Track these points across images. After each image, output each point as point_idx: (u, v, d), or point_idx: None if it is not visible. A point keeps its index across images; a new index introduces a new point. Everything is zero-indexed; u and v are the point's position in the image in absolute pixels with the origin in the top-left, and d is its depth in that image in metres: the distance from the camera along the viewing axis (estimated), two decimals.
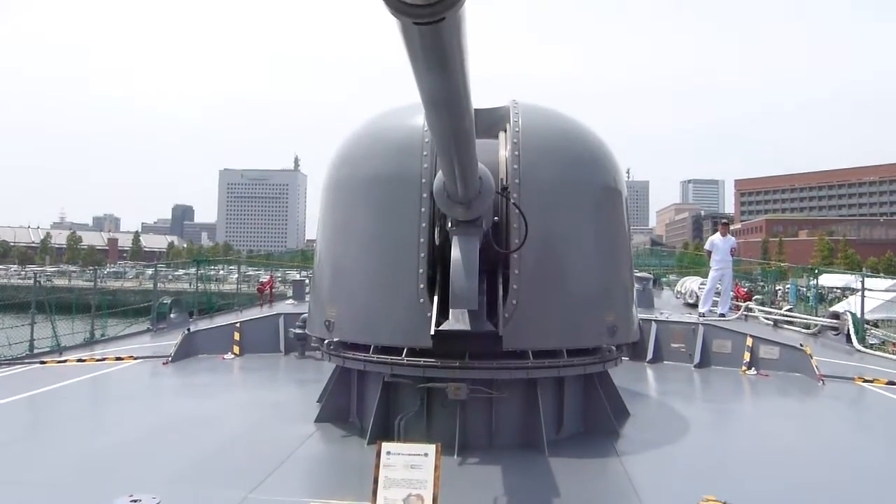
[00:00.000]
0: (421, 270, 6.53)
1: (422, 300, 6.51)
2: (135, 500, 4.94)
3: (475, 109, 7.63)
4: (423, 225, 6.57)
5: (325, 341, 7.38)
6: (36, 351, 14.06)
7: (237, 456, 6.84)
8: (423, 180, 6.67)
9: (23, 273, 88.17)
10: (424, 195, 6.64)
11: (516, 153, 6.76)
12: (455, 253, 5.51)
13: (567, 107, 7.88)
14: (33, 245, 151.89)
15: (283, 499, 5.47)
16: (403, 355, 6.65)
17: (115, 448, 7.14)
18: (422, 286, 6.53)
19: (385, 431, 6.69)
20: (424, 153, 6.77)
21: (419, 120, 6.97)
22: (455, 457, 6.36)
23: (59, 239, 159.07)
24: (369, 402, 7.20)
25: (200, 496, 5.60)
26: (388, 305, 6.78)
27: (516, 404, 6.89)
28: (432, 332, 6.30)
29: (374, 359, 6.78)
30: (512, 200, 6.53)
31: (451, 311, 6.27)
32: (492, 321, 6.38)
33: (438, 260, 6.65)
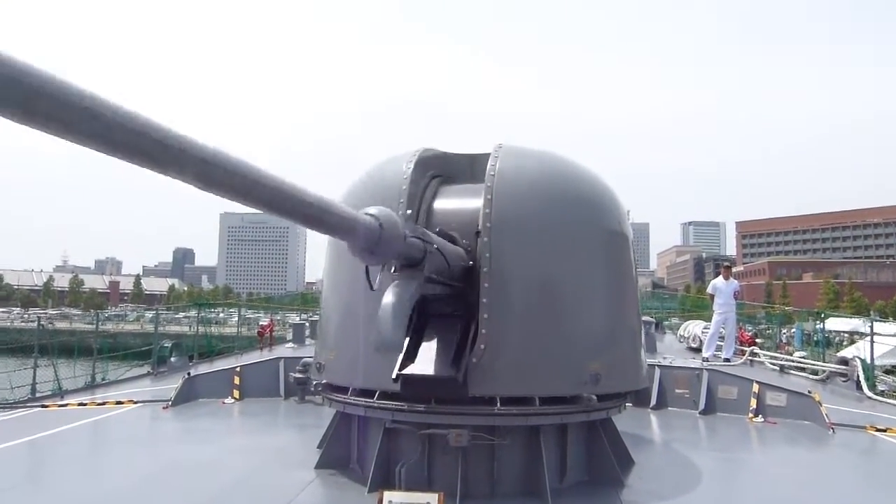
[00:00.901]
0: None
1: None
2: None
3: (466, 155, 7.89)
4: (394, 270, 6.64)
5: (314, 382, 7.58)
6: (38, 394, 14.04)
7: (237, 503, 6.78)
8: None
9: (26, 316, 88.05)
10: None
11: (489, 197, 6.82)
12: (386, 297, 5.47)
13: (563, 147, 8.00)
14: (36, 288, 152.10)
15: None
16: (375, 398, 6.74)
17: (114, 494, 7.09)
18: None
19: (386, 478, 6.62)
20: (401, 200, 6.90)
21: (401, 168, 7.21)
22: None
23: (62, 282, 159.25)
24: (370, 449, 7.15)
25: None
26: (363, 349, 6.80)
27: (518, 451, 6.81)
28: (394, 375, 6.36)
29: (375, 404, 6.75)
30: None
31: (418, 355, 6.35)
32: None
33: (414, 307, 6.78)
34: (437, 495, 4.47)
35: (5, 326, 66.72)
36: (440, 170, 7.93)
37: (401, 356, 6.47)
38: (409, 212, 5.89)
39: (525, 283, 6.83)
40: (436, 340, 6.55)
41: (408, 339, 6.56)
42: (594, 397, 6.74)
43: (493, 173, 6.96)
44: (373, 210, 4.53)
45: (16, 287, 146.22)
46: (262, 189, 3.24)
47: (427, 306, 6.74)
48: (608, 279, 7.46)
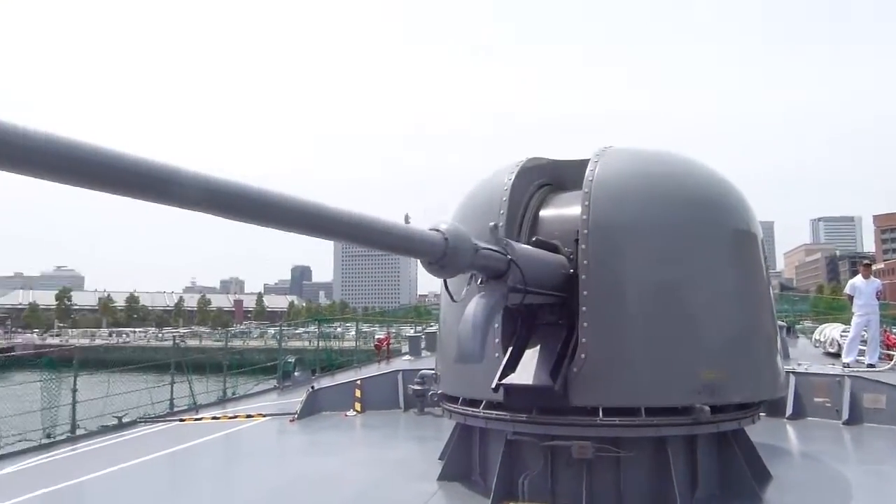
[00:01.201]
0: (497, 325, 6.52)
1: (496, 354, 6.54)
2: None
3: (575, 161, 7.72)
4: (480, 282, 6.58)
5: (431, 393, 7.66)
6: (175, 409, 14.92)
7: None
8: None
9: (160, 335, 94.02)
10: None
11: (586, 203, 6.65)
12: (467, 310, 5.43)
13: (680, 146, 7.67)
14: (168, 308, 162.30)
15: None
16: (481, 408, 6.74)
17: None
18: (497, 340, 6.57)
19: (509, 490, 6.57)
20: (501, 211, 6.91)
21: (503, 180, 7.20)
22: None
23: (191, 302, 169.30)
24: (492, 461, 7.09)
25: None
26: None
27: (646, 464, 6.57)
28: (493, 385, 6.34)
29: (494, 416, 6.69)
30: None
31: (519, 364, 6.29)
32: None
33: (519, 315, 6.71)
34: None
35: (143, 345, 71.47)
36: (550, 178, 7.81)
37: (501, 366, 6.44)
38: (494, 224, 5.85)
39: (630, 288, 6.60)
40: (538, 349, 6.47)
41: (510, 349, 6.58)
42: (707, 408, 6.31)
43: (590, 178, 6.79)
44: (441, 226, 4.60)
45: (150, 308, 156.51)
46: (317, 220, 3.70)
47: (533, 315, 6.69)
48: (735, 281, 7.03)
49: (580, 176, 6.95)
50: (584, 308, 6.38)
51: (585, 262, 6.44)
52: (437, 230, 4.55)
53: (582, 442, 6.24)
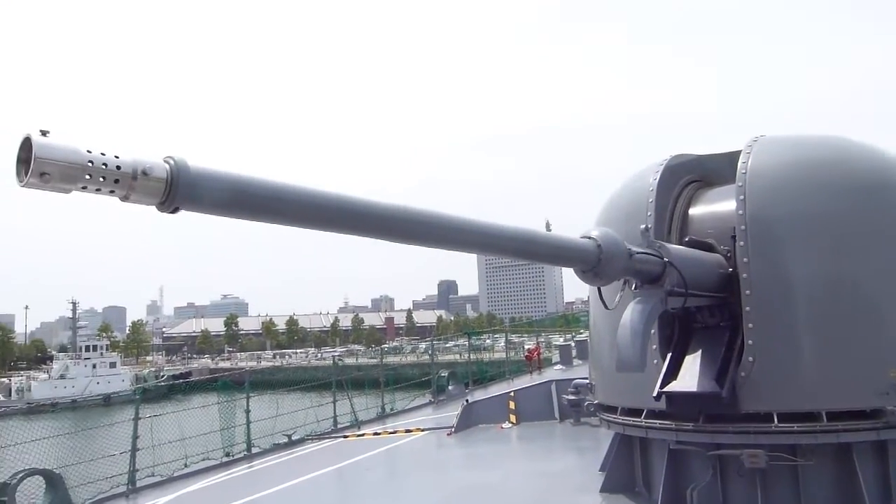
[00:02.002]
0: (653, 331, 6.28)
1: (655, 361, 6.32)
2: None
3: (722, 154, 7.33)
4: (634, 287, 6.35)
5: (586, 402, 7.49)
6: (339, 426, 15.66)
7: None
8: None
9: (319, 355, 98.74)
10: None
11: (741, 197, 6.28)
12: (624, 316, 5.24)
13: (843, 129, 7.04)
14: (325, 329, 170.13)
15: None
16: (642, 417, 6.53)
17: None
18: (654, 347, 6.36)
19: (676, 501, 6.36)
20: (648, 213, 6.70)
21: (647, 181, 6.97)
22: None
23: (345, 321, 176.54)
24: (656, 471, 6.89)
25: None
26: None
27: (828, 473, 6.13)
28: (655, 393, 6.14)
29: (657, 425, 6.48)
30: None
31: (681, 370, 6.04)
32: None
33: (675, 319, 6.45)
34: None
35: (304, 365, 75.42)
36: (697, 174, 7.49)
37: (662, 372, 6.24)
38: (645, 226, 5.65)
39: (800, 284, 6.16)
40: (700, 354, 6.20)
41: (669, 355, 6.37)
42: None
43: (744, 171, 6.42)
44: (593, 232, 4.58)
45: (308, 330, 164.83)
46: (469, 236, 3.81)
47: (690, 319, 6.43)
48: None
49: (730, 170, 6.61)
50: (747, 308, 6.06)
51: (745, 259, 6.12)
52: (590, 237, 4.54)
53: (753, 450, 5.91)
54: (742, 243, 6.17)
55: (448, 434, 12.61)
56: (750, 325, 6.04)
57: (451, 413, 13.76)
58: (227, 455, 13.34)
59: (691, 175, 7.44)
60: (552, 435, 12.28)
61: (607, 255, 4.47)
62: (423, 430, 13.30)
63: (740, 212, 6.26)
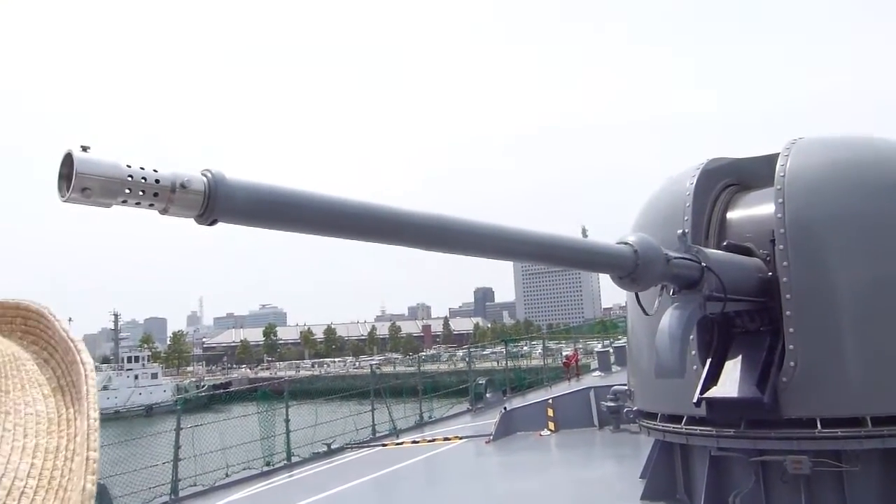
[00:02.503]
0: (692, 336, 6.16)
1: (694, 367, 6.21)
2: None
3: (761, 157, 7.21)
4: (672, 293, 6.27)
5: (626, 410, 7.35)
6: (377, 434, 15.69)
7: None
8: None
9: (357, 364, 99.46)
10: None
11: (780, 200, 6.16)
12: (662, 322, 5.15)
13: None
14: (362, 337, 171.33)
15: None
16: (682, 423, 6.46)
17: None
18: (693, 352, 6.25)
19: None
20: (686, 218, 6.62)
21: (684, 185, 6.90)
22: None
23: (382, 330, 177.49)
24: (697, 478, 6.81)
25: None
26: None
27: (874, 479, 6.00)
28: (695, 399, 6.06)
29: (698, 431, 6.39)
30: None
31: (721, 376, 5.95)
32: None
33: (714, 324, 6.38)
34: None
35: (342, 374, 75.96)
36: (735, 178, 7.39)
37: (702, 378, 6.16)
38: (682, 231, 5.59)
39: (842, 288, 6.06)
40: (740, 359, 6.12)
41: (709, 360, 6.30)
42: None
43: (782, 173, 6.31)
44: (630, 238, 4.55)
45: (346, 339, 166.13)
46: (508, 244, 3.78)
47: (730, 324, 6.36)
48: None
49: (768, 172, 6.52)
50: (788, 312, 5.95)
51: (785, 263, 6.01)
52: (626, 243, 4.51)
53: (797, 456, 5.80)
54: (781, 247, 6.07)
55: (486, 442, 12.57)
56: (791, 330, 5.93)
57: (490, 421, 13.72)
58: (268, 464, 13.46)
59: (728, 178, 7.35)
60: (591, 442, 12.17)
61: (644, 261, 4.43)
62: (461, 438, 13.27)
63: (779, 215, 6.16)
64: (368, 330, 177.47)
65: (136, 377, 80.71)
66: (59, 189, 1.91)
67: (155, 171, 2.10)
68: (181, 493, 11.59)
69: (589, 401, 13.50)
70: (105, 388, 79.04)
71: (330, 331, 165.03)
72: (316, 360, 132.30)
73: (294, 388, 19.59)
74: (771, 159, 6.67)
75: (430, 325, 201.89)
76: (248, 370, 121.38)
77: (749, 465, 6.22)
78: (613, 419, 12.33)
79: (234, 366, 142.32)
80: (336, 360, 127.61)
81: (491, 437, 12.64)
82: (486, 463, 11.57)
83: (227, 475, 12.50)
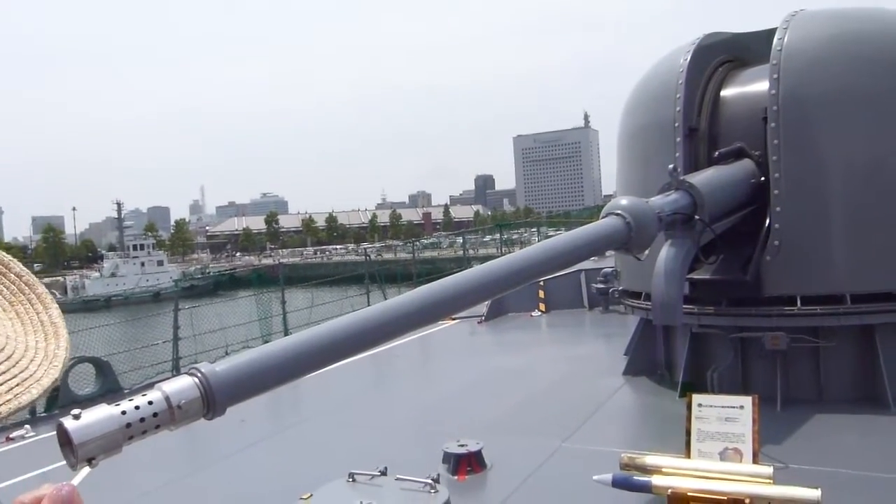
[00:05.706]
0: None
1: None
2: (462, 445, 5.43)
3: (760, 32, 6.98)
4: (679, 170, 6.21)
5: (612, 290, 7.52)
6: None
7: (550, 407, 7.13)
8: (676, 124, 6.47)
9: (358, 250, 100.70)
10: (678, 139, 6.44)
11: (775, 76, 5.98)
12: (658, 262, 5.16)
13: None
14: (364, 225, 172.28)
15: (595, 448, 5.57)
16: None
17: (443, 400, 7.95)
18: None
19: (697, 384, 6.45)
20: (678, 95, 6.48)
21: (678, 61, 6.72)
22: (778, 410, 5.93)
23: (383, 217, 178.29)
24: (678, 355, 7.01)
25: (518, 443, 5.94)
26: None
27: (849, 354, 6.20)
28: None
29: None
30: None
31: (701, 257, 5.95)
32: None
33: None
34: (750, 398, 4.20)
35: (343, 261, 76.98)
36: (732, 54, 7.20)
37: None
38: (673, 167, 5.58)
39: (833, 167, 6.01)
40: (728, 249, 6.13)
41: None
42: None
43: (779, 48, 6.11)
44: (622, 203, 4.35)
45: (347, 226, 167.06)
46: (512, 277, 3.52)
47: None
48: None
49: (768, 48, 6.30)
50: (776, 191, 5.96)
51: (776, 141, 5.95)
52: (617, 213, 4.31)
53: (774, 333, 5.96)
54: (773, 125, 5.97)
55: (479, 322, 12.90)
56: (778, 209, 5.95)
57: (484, 302, 14.04)
58: (266, 342, 13.84)
59: (725, 55, 7.16)
60: (581, 322, 12.50)
61: (638, 229, 4.31)
62: (454, 319, 13.59)
63: (773, 92, 6.02)
64: (369, 218, 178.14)
65: (143, 264, 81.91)
66: (66, 458, 1.84)
67: (150, 402, 1.96)
68: (182, 370, 12.00)
69: (579, 283, 13.74)
70: (113, 275, 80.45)
71: (331, 218, 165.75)
72: (318, 248, 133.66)
73: (292, 273, 19.92)
74: (770, 34, 6.46)
75: (430, 213, 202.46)
76: (253, 258, 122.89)
77: (728, 341, 6.38)
78: (603, 300, 12.59)
79: (238, 254, 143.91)
80: (338, 247, 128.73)
81: (483, 318, 12.96)
82: (478, 341, 11.94)
83: (226, 353, 12.92)
